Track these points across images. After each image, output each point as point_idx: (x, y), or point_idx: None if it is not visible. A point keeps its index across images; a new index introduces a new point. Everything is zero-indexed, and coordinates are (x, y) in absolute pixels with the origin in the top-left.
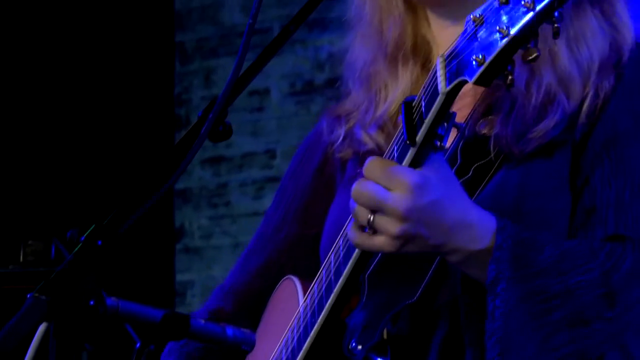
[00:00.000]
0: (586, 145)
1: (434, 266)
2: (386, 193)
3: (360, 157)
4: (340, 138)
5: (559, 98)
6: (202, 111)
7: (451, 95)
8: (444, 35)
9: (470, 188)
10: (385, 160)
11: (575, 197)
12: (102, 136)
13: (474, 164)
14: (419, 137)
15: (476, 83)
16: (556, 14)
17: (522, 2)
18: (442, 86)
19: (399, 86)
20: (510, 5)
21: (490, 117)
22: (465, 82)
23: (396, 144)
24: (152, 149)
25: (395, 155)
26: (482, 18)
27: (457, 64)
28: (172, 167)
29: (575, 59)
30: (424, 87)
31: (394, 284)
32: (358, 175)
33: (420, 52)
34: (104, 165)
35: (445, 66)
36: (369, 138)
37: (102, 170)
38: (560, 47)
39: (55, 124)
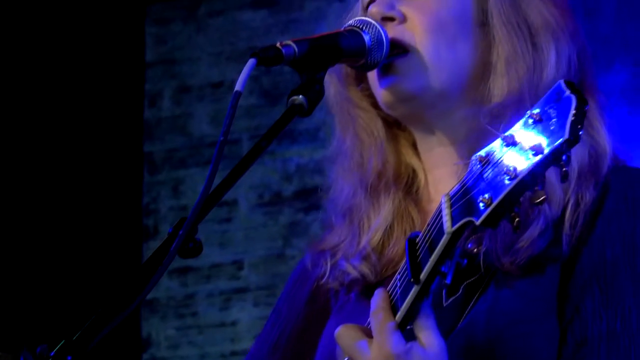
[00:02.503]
0: (574, 269)
1: None
2: (365, 353)
3: (346, 286)
4: (327, 273)
5: (540, 206)
6: (172, 228)
7: (456, 235)
8: (431, 156)
9: (460, 307)
10: (387, 310)
11: (563, 325)
12: (72, 248)
13: (464, 282)
14: (422, 276)
15: (483, 224)
16: (564, 157)
17: (530, 145)
18: (447, 226)
19: (380, 214)
20: (518, 147)
21: (477, 234)
22: (472, 223)
23: (399, 280)
24: (120, 259)
25: (398, 292)
26: (488, 158)
27: (463, 204)
28: (142, 282)
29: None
30: (428, 225)
31: None
32: (346, 303)
33: (403, 179)
34: (74, 278)
35: (451, 205)
36: (353, 269)
37: (72, 283)
38: None
39: (23, 240)
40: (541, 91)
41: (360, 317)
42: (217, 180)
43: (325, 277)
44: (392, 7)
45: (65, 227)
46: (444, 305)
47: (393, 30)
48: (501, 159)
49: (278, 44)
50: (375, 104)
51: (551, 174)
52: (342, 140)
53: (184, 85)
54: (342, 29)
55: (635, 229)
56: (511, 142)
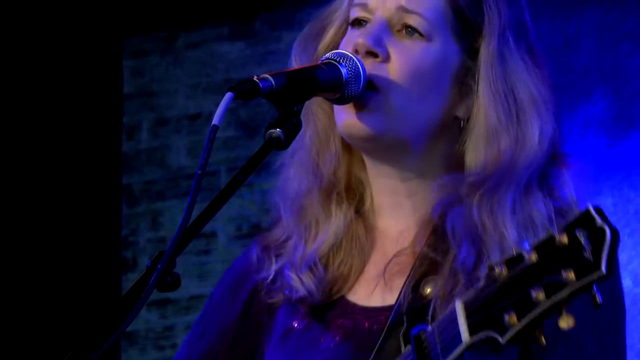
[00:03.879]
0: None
1: None
2: None
3: (293, 306)
4: (270, 278)
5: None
6: (151, 261)
7: (472, 345)
8: (378, 183)
9: None
10: None
11: None
12: (51, 281)
13: None
14: None
15: (508, 343)
16: (595, 286)
17: (564, 272)
18: (465, 335)
19: (331, 226)
20: (546, 269)
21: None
22: (494, 339)
23: None
24: (99, 291)
25: None
26: (509, 272)
27: (484, 316)
28: (121, 316)
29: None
30: (438, 326)
31: None
32: (290, 332)
33: (354, 194)
34: (53, 310)
35: (468, 315)
36: (300, 283)
37: (51, 316)
38: (511, 232)
39: (1, 273)
40: (520, 165)
41: (307, 352)
42: (195, 213)
43: (268, 281)
44: (379, 42)
45: (44, 259)
46: None
47: (372, 67)
48: (526, 276)
49: (255, 77)
50: None
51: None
52: (302, 133)
53: (162, 117)
54: (320, 61)
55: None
56: (536, 261)
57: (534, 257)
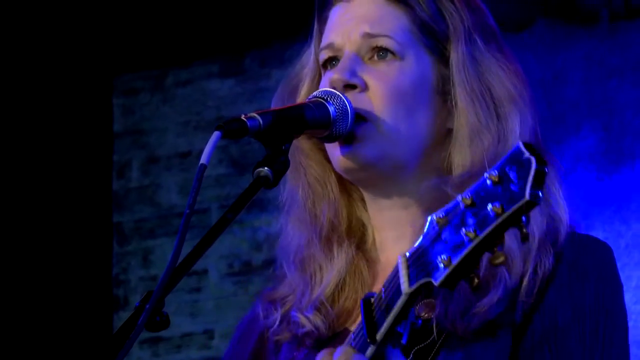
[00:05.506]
0: (525, 333)
1: None
2: None
3: (298, 340)
4: (277, 322)
5: (500, 273)
6: (140, 301)
7: (414, 296)
8: (381, 217)
9: None
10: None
11: None
12: (43, 320)
13: (414, 347)
14: (379, 336)
15: (441, 285)
16: (524, 218)
17: (490, 206)
18: (405, 287)
19: (333, 267)
20: (477, 208)
21: (429, 299)
22: (430, 283)
23: (354, 340)
24: (90, 330)
25: None
26: (447, 219)
27: (421, 264)
28: (110, 356)
29: (515, 236)
30: (384, 286)
31: None
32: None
33: (355, 233)
34: (45, 350)
35: (408, 266)
36: (307, 320)
37: (43, 355)
38: None
39: None
40: None
41: None
42: (186, 251)
43: (275, 325)
44: (353, 74)
45: (37, 299)
46: None
47: (355, 99)
48: (460, 220)
49: (242, 117)
50: (327, 157)
51: (512, 242)
52: (294, 189)
53: (152, 155)
54: (307, 100)
55: (585, 296)
56: (470, 204)
57: (467, 200)
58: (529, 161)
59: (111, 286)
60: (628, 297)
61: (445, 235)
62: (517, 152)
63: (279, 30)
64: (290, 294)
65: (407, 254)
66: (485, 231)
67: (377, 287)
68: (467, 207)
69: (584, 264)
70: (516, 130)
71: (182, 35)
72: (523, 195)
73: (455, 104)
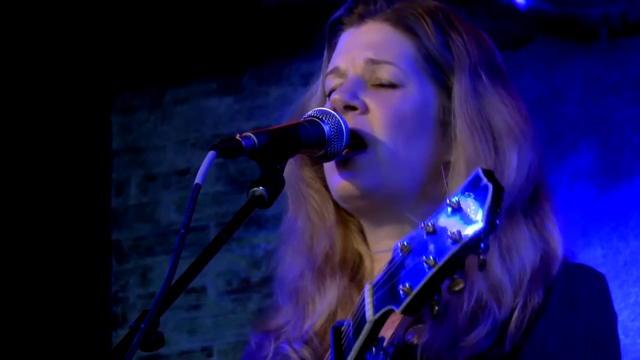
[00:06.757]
0: None
1: None
2: None
3: None
4: (270, 355)
5: (490, 306)
6: (135, 321)
7: (379, 323)
8: (378, 247)
9: None
10: None
11: None
12: (41, 339)
13: None
14: None
15: (404, 312)
16: (482, 245)
17: (449, 233)
18: (369, 314)
19: (325, 300)
20: (437, 236)
21: (419, 325)
22: (393, 311)
23: None
24: (89, 348)
25: None
26: (410, 247)
27: (385, 292)
28: None
29: (507, 269)
30: (352, 314)
31: None
32: None
33: (349, 265)
34: None
35: (373, 294)
36: (295, 354)
37: None
38: (493, 256)
39: None
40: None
41: None
42: (183, 269)
43: (269, 358)
44: (355, 96)
45: (35, 317)
46: None
47: (354, 120)
48: (421, 247)
49: (238, 136)
50: (327, 186)
51: (504, 275)
52: (294, 219)
53: (150, 173)
54: (302, 119)
55: (576, 325)
56: (431, 231)
57: (429, 228)
58: (486, 188)
59: (110, 304)
60: (626, 314)
61: (408, 262)
62: (476, 177)
63: (277, 48)
64: (284, 325)
65: (374, 282)
66: (442, 259)
67: None
68: (428, 234)
69: (575, 293)
70: (513, 164)
71: (180, 54)
72: (478, 222)
73: (455, 135)
